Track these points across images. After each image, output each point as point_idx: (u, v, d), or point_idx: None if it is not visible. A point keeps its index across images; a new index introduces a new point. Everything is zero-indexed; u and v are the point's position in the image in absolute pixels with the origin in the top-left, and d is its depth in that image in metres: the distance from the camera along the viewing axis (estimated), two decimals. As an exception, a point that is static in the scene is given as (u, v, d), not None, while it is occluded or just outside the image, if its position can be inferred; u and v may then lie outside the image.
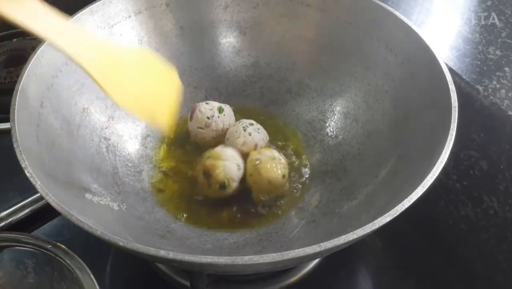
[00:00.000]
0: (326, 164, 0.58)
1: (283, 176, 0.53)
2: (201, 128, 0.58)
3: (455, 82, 0.47)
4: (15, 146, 0.41)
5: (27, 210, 0.55)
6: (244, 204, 0.54)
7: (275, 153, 0.54)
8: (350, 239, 0.35)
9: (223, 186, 0.51)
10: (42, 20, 0.37)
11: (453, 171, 0.55)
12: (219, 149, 0.54)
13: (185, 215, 0.53)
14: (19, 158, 0.40)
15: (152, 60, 0.46)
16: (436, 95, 0.47)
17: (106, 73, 0.39)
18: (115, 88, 0.40)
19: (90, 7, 0.55)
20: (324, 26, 0.60)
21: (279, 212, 0.54)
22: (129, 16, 0.59)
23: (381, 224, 0.36)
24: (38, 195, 0.55)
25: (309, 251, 0.34)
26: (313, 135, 0.60)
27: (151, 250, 0.34)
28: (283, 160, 0.54)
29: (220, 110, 0.58)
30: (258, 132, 0.57)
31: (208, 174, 0.51)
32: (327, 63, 0.61)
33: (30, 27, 0.36)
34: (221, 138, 0.58)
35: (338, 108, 0.60)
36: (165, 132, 0.46)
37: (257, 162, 0.52)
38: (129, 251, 0.35)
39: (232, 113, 0.60)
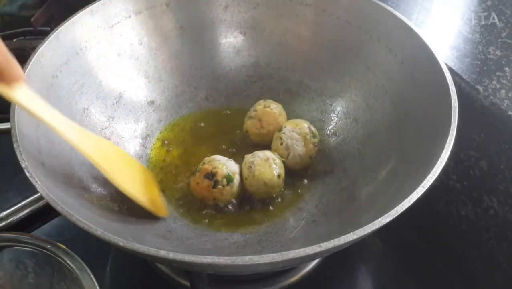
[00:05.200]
0: (326, 164, 0.58)
1: (279, 176, 0.53)
2: None
3: (455, 82, 0.47)
4: (15, 146, 0.41)
5: (27, 210, 0.55)
6: (243, 205, 0.54)
7: (268, 154, 0.53)
8: (350, 239, 0.35)
9: (229, 179, 0.52)
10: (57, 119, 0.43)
11: (453, 171, 0.55)
12: (212, 156, 0.54)
13: (185, 215, 0.53)
14: (19, 158, 0.40)
15: (131, 159, 0.55)
16: (436, 95, 0.47)
17: (105, 159, 0.47)
18: (115, 173, 0.48)
19: (90, 7, 0.55)
20: (324, 26, 0.60)
21: (279, 212, 0.54)
22: (129, 16, 0.59)
23: (381, 224, 0.36)
24: (38, 195, 0.55)
25: (309, 251, 0.34)
26: (313, 135, 0.60)
27: (151, 250, 0.34)
28: (277, 159, 0.54)
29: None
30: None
31: (211, 173, 0.52)
32: (327, 63, 0.61)
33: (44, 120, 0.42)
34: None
35: (338, 108, 0.60)
36: (160, 213, 0.52)
37: (251, 165, 0.52)
38: (129, 251, 0.35)
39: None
